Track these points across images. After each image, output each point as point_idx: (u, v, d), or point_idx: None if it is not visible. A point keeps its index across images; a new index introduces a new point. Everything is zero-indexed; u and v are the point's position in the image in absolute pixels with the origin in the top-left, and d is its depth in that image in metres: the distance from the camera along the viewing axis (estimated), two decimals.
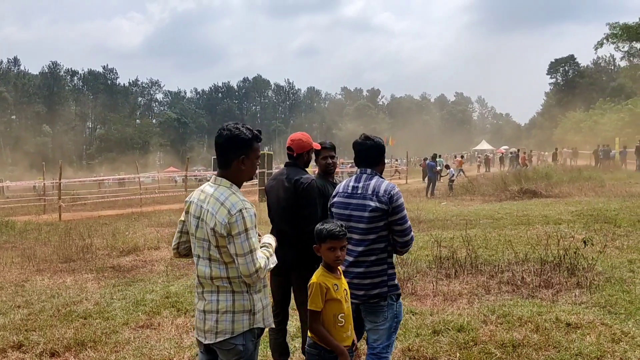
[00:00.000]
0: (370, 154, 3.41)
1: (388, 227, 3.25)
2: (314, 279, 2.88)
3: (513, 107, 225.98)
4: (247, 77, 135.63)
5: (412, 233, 3.24)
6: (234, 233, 2.49)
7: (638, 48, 45.52)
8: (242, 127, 2.67)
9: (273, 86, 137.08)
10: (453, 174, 23.07)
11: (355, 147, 3.44)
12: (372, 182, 3.31)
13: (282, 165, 4.27)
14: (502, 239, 8.97)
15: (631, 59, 46.90)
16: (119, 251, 10.21)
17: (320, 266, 2.94)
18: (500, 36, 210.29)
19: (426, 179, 25.57)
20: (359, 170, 3.43)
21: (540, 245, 7.78)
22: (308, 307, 2.84)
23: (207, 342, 2.62)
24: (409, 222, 3.25)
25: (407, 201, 18.74)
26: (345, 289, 2.95)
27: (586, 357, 4.11)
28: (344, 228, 2.93)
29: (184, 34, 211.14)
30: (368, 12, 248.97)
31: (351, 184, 3.40)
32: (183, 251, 2.88)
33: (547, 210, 13.05)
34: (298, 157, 4.06)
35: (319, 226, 2.96)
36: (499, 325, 4.87)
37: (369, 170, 3.39)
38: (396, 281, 3.32)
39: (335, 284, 2.88)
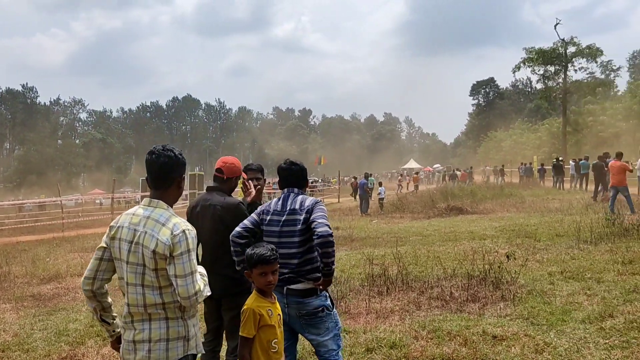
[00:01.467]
0: (296, 177, 3.63)
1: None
2: (248, 304, 2.84)
3: (439, 127, 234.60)
4: (177, 97, 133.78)
5: (329, 229, 3.20)
6: (175, 254, 2.46)
7: (552, 71, 48.38)
8: (176, 149, 2.71)
9: (203, 105, 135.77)
10: (384, 192, 23.59)
11: (282, 171, 3.64)
12: (299, 198, 3.50)
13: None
14: (431, 255, 9.22)
15: (546, 81, 49.66)
16: (40, 279, 9.67)
17: (254, 291, 2.91)
18: (426, 59, 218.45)
19: (358, 197, 26.02)
20: (286, 190, 3.60)
21: (467, 260, 8.05)
22: (240, 333, 2.80)
23: None
24: (327, 221, 3.27)
25: (340, 219, 18.93)
26: (279, 314, 2.93)
27: None
28: (275, 252, 2.93)
29: (110, 52, 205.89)
30: (298, 34, 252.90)
31: (280, 202, 3.53)
32: (98, 283, 2.65)
33: (472, 227, 13.54)
34: (227, 180, 4.00)
35: (249, 251, 2.94)
36: (429, 340, 4.98)
37: (296, 190, 3.59)
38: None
39: (270, 309, 2.85)
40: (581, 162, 27.46)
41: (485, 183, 34.94)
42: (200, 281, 2.57)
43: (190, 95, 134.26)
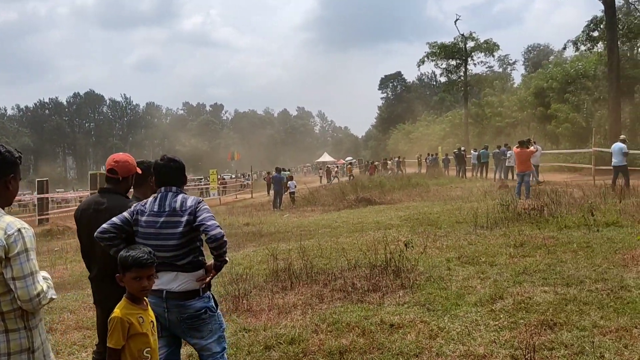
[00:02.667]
0: (175, 174, 3.41)
1: (197, 237, 3.26)
2: (116, 312, 2.61)
3: (351, 120, 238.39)
4: (79, 92, 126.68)
5: (221, 230, 3.10)
6: (11, 255, 2.26)
7: (454, 65, 50.56)
8: (5, 146, 2.48)
9: (108, 102, 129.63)
10: (295, 186, 23.64)
11: (160, 168, 3.41)
12: (180, 198, 3.29)
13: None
14: (337, 247, 9.27)
15: (449, 75, 51.87)
16: None
17: (124, 297, 2.69)
18: (337, 54, 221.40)
19: (272, 192, 25.88)
20: (163, 188, 3.36)
21: (371, 250, 8.16)
22: (107, 344, 2.59)
23: None
24: (215, 221, 3.16)
25: (251, 215, 18.71)
26: (151, 321, 2.74)
27: (406, 355, 4.33)
28: (152, 255, 2.74)
29: (4, 46, 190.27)
30: (208, 27, 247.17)
31: (157, 202, 3.30)
32: None
33: (379, 217, 13.82)
34: (122, 181, 3.70)
35: (123, 253, 2.71)
36: (328, 333, 4.96)
37: (174, 188, 3.36)
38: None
39: (141, 317, 2.65)
40: (481, 151, 28.95)
41: (393, 174, 35.97)
42: (43, 282, 2.37)
43: (94, 91, 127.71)
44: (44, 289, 2.33)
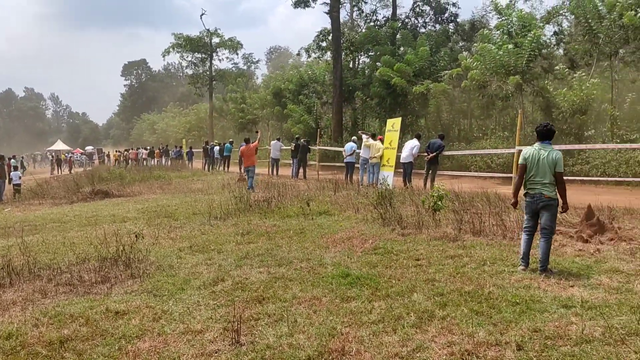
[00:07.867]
0: None
1: None
2: None
3: (90, 106, 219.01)
4: None
5: None
6: None
7: (200, 58, 51.14)
8: None
9: None
10: (20, 177, 21.34)
11: None
12: None
13: None
14: (65, 242, 8.94)
15: (195, 67, 52.26)
16: None
17: None
18: (75, 32, 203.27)
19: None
20: None
21: (102, 244, 8.12)
22: None
23: None
24: None
25: None
26: None
27: (129, 338, 4.61)
28: None
29: None
30: None
31: None
32: None
33: (116, 210, 13.54)
34: None
35: None
36: (50, 325, 4.95)
37: None
38: None
39: None
40: (225, 145, 30.15)
41: (141, 165, 34.99)
42: None
43: None
44: None
